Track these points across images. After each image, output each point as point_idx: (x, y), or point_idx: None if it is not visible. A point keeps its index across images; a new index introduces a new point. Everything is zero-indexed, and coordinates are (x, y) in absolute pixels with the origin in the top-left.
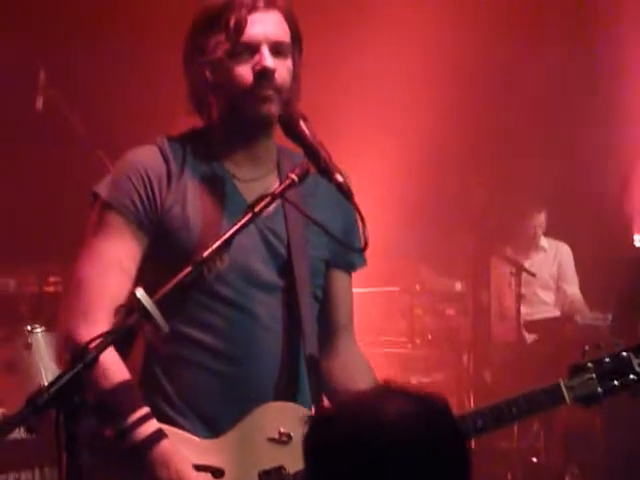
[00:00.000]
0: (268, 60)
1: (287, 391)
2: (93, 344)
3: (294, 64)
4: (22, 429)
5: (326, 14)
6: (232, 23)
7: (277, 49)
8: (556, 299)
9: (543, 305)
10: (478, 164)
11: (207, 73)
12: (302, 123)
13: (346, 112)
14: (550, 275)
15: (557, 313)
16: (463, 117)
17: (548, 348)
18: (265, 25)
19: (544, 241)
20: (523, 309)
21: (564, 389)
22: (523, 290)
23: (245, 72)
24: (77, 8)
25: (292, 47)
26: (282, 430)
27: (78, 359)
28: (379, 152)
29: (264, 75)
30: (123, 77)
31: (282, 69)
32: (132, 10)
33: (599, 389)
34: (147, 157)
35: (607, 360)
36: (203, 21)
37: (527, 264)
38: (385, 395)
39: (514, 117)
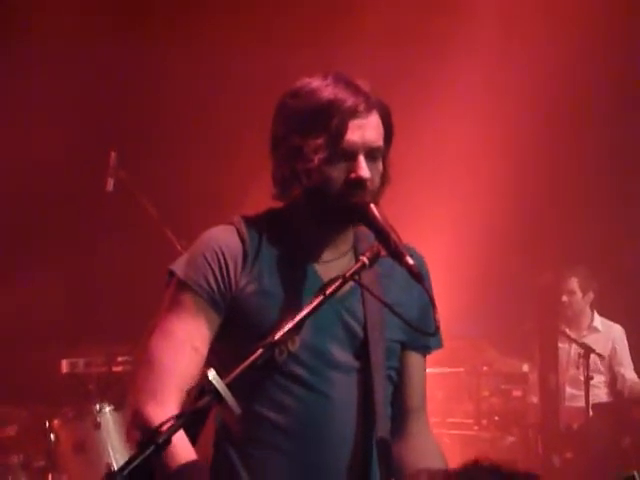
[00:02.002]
0: (365, 171)
1: (358, 474)
2: (165, 426)
3: (384, 163)
4: None
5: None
6: (333, 129)
7: (372, 155)
8: (607, 383)
9: (594, 389)
10: (543, 244)
11: (301, 175)
12: (372, 207)
13: (413, 193)
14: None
15: (605, 398)
16: (524, 194)
17: (615, 432)
18: (364, 131)
19: (598, 321)
20: (574, 392)
21: None
22: (573, 372)
23: (339, 176)
24: (149, 89)
25: (385, 148)
26: None
27: (150, 440)
28: (448, 233)
29: (358, 185)
30: (193, 158)
31: (374, 174)
32: (201, 90)
33: None
34: (224, 237)
35: None
36: (302, 119)
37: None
38: (477, 474)
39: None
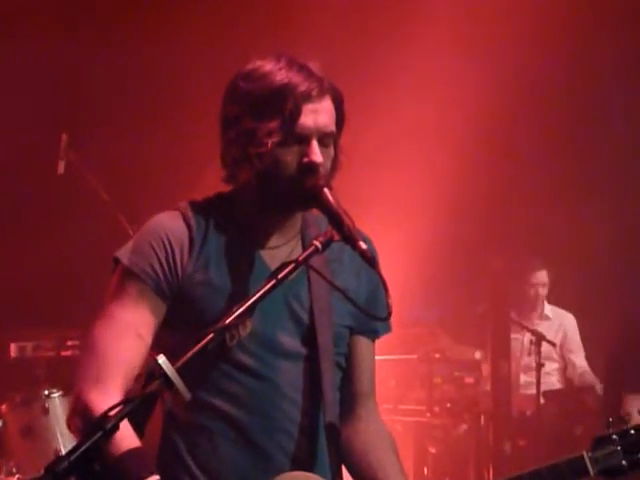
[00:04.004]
0: (317, 155)
1: (306, 461)
2: (112, 412)
3: (335, 147)
4: None
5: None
6: (287, 113)
7: (324, 140)
8: (560, 370)
9: (547, 376)
10: (497, 231)
11: (253, 158)
12: (326, 191)
13: (368, 178)
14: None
15: (558, 385)
16: (484, 176)
17: (567, 419)
18: (317, 116)
19: (548, 309)
20: (528, 379)
21: (588, 461)
22: (527, 360)
23: (292, 160)
24: (101, 72)
25: (337, 133)
26: None
27: (97, 426)
28: (399, 218)
29: (311, 169)
30: (144, 141)
31: (326, 159)
32: (157, 72)
33: (624, 462)
34: (169, 223)
35: (632, 432)
36: (255, 102)
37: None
38: None
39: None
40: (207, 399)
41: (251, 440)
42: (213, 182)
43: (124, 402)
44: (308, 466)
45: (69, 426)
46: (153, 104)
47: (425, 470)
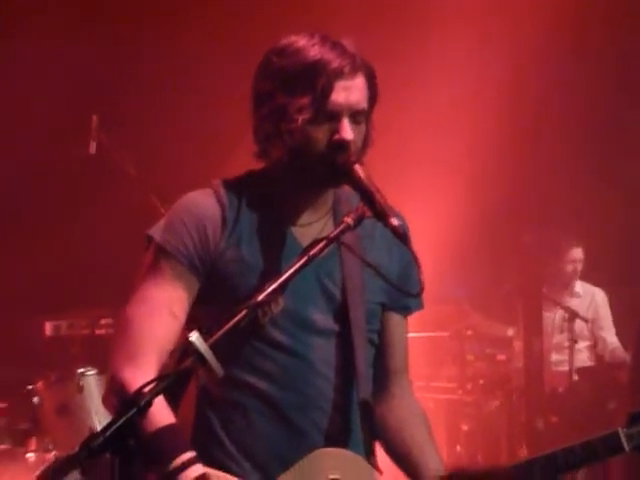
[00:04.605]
0: (348, 133)
1: (339, 437)
2: (146, 388)
3: (367, 125)
4: (77, 471)
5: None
6: (318, 90)
7: (356, 117)
8: (589, 347)
9: (578, 353)
10: (530, 207)
11: (284, 134)
12: (357, 167)
13: (402, 153)
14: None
15: (589, 362)
16: (511, 155)
17: (600, 395)
18: (349, 93)
19: (578, 286)
20: (559, 357)
21: (623, 437)
22: (558, 338)
23: (321, 137)
24: (131, 54)
25: (368, 110)
26: (333, 476)
27: (131, 403)
28: (431, 195)
29: (341, 146)
30: (175, 122)
31: (357, 136)
32: (186, 53)
33: None
34: (202, 201)
35: None
36: (287, 78)
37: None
38: None
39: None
40: (240, 376)
41: (285, 417)
42: (243, 160)
43: (158, 379)
44: (341, 442)
45: (105, 404)
46: (183, 84)
47: (457, 447)
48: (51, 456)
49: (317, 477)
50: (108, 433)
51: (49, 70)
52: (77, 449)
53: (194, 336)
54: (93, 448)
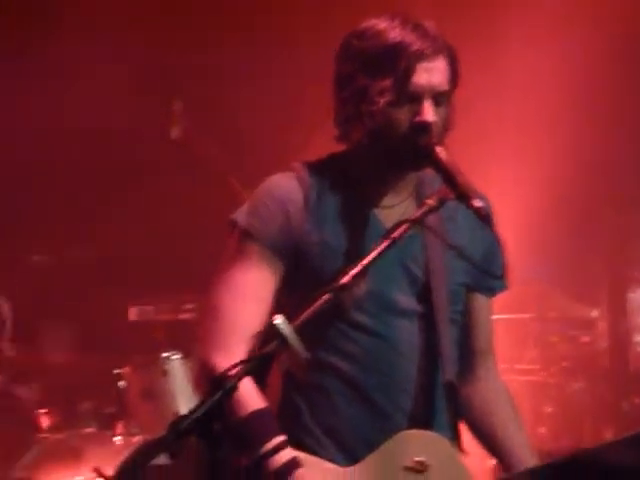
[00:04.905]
0: (430, 115)
1: (423, 419)
2: (232, 372)
3: (448, 107)
4: (164, 454)
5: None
6: (400, 71)
7: (437, 99)
8: None
9: None
10: (613, 187)
11: (365, 116)
12: (439, 149)
13: (483, 136)
14: None
15: None
16: (596, 141)
17: None
18: (430, 75)
19: None
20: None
21: None
22: None
23: (403, 119)
24: (212, 38)
25: (450, 92)
26: (418, 458)
27: (217, 387)
28: (514, 175)
29: (423, 128)
30: (257, 105)
31: (439, 119)
32: (266, 37)
33: None
34: (285, 184)
35: None
36: (368, 60)
37: None
38: None
39: None
40: (325, 358)
41: (369, 399)
42: (324, 144)
43: (243, 362)
44: (426, 424)
45: (196, 390)
46: (264, 68)
47: (542, 429)
48: (137, 440)
49: (402, 459)
50: (195, 416)
51: (133, 55)
52: (164, 432)
53: (278, 319)
54: (180, 431)
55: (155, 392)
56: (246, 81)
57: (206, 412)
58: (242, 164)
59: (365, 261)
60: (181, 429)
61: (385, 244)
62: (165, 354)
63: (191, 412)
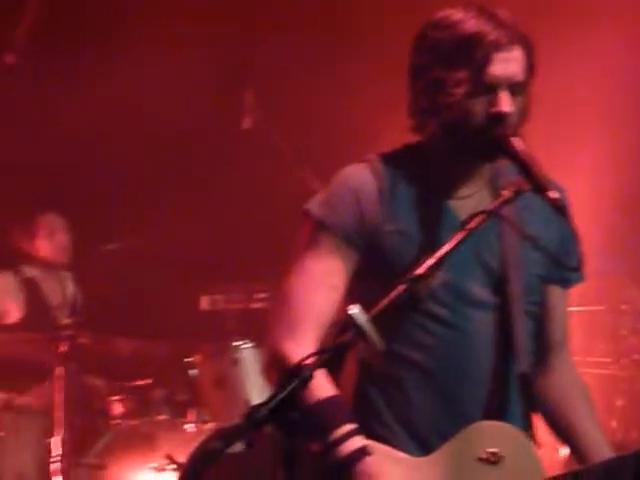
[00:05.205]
0: (506, 105)
1: (497, 410)
2: (308, 361)
3: (524, 97)
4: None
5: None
6: (476, 62)
7: (514, 89)
8: None
9: None
10: None
11: (441, 108)
12: (515, 140)
13: (556, 127)
14: None
15: None
16: None
17: None
18: (507, 65)
19: None
20: None
21: None
22: None
23: (479, 110)
24: (283, 27)
25: (526, 82)
26: (491, 449)
27: (292, 376)
28: (588, 168)
29: (499, 119)
30: (329, 97)
31: (515, 109)
32: (337, 30)
33: None
34: (359, 175)
35: None
36: (444, 51)
37: None
38: None
39: None
40: (400, 349)
41: (444, 390)
42: (394, 134)
43: (318, 352)
44: (500, 416)
45: (266, 377)
46: (336, 59)
47: (613, 423)
48: (209, 427)
49: (475, 450)
50: (271, 405)
51: (205, 45)
52: (238, 420)
53: (354, 309)
54: (256, 420)
55: (226, 380)
56: (318, 71)
57: (282, 401)
58: (313, 154)
59: (441, 252)
60: (257, 418)
61: (461, 235)
62: (236, 343)
63: (267, 401)
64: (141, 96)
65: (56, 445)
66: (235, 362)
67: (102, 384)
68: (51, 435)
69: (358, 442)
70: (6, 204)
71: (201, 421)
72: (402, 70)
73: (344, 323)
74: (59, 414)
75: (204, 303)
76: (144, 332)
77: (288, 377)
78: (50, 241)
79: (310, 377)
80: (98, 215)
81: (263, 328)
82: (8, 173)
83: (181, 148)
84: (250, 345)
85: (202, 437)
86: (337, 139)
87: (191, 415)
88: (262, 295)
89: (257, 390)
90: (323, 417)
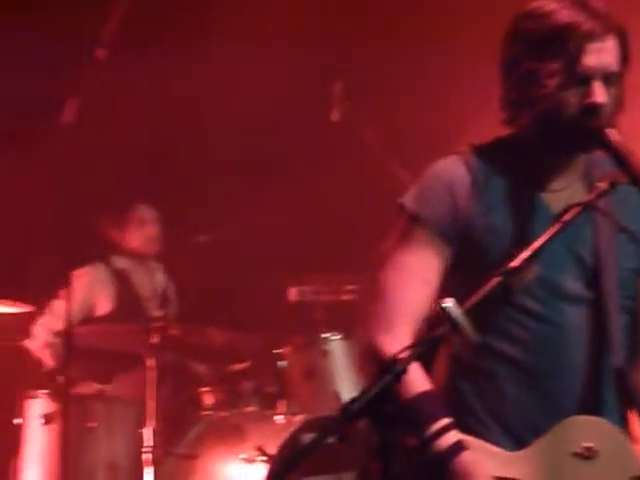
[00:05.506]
0: (600, 96)
1: (592, 405)
2: (401, 355)
3: (618, 88)
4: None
5: None
6: (569, 53)
7: (608, 80)
8: None
9: None
10: None
11: (534, 100)
12: (609, 132)
13: None
14: None
15: None
16: None
17: None
18: (601, 56)
19: None
20: None
21: None
22: None
23: (573, 102)
24: (372, 19)
25: (620, 73)
26: (586, 444)
27: (386, 369)
28: None
29: (593, 110)
30: (416, 91)
31: (609, 100)
32: (430, 23)
33: None
34: (452, 168)
35: None
36: (537, 42)
37: None
38: None
39: None
40: (493, 343)
41: (537, 384)
42: (482, 126)
43: (413, 346)
44: (595, 410)
45: (360, 370)
46: (425, 52)
47: None
48: (298, 419)
49: (570, 444)
50: (366, 398)
51: (294, 36)
52: (328, 413)
53: (449, 303)
54: (352, 412)
55: (315, 372)
56: (406, 64)
57: (377, 395)
58: (403, 147)
59: (535, 245)
60: (353, 411)
61: (555, 228)
62: (325, 335)
63: (362, 395)
64: (229, 88)
65: (148, 435)
66: (324, 354)
67: (203, 372)
68: (143, 425)
69: (454, 437)
70: (98, 195)
71: (290, 413)
72: (495, 70)
73: (438, 316)
74: (151, 405)
75: (293, 294)
76: (234, 324)
77: (383, 371)
78: (141, 233)
79: (405, 371)
80: (189, 207)
81: (352, 320)
82: (99, 165)
83: (270, 140)
84: (339, 337)
85: (291, 429)
86: (424, 132)
87: (280, 407)
88: (351, 287)
89: (346, 382)
90: (419, 411)
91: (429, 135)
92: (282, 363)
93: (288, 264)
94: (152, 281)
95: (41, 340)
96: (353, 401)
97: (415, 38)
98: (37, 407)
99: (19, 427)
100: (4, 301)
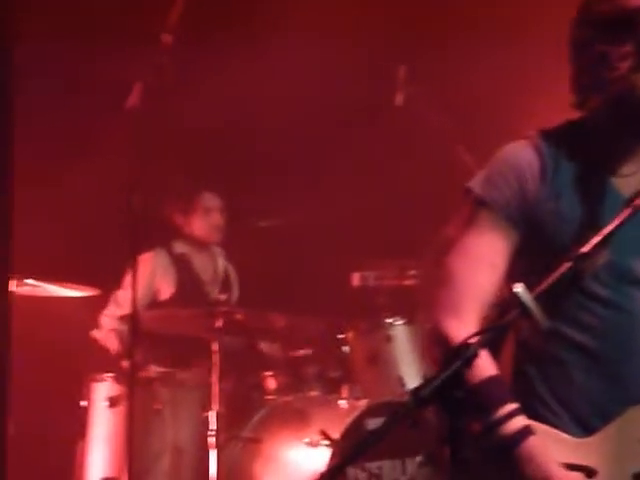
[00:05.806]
0: None
1: None
2: (471, 340)
3: None
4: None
5: None
6: None
7: None
8: None
9: None
10: None
11: (605, 83)
12: None
13: None
14: None
15: None
16: None
17: None
18: None
19: None
20: None
21: None
22: None
23: None
24: (437, 4)
25: None
26: None
27: (457, 354)
28: None
29: None
30: (483, 76)
31: None
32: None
33: None
34: (521, 153)
35: None
36: (608, 25)
37: None
38: None
39: None
40: (561, 329)
41: (606, 370)
42: (549, 110)
43: (482, 331)
44: None
45: (426, 355)
46: (498, 35)
47: None
48: (361, 404)
49: (639, 432)
50: (436, 383)
51: (357, 19)
52: (393, 398)
53: (519, 288)
54: (422, 397)
55: (379, 357)
56: (469, 47)
57: (446, 380)
58: (467, 131)
59: (606, 230)
60: (423, 397)
61: (626, 213)
62: (389, 320)
63: (430, 380)
64: (293, 74)
65: (212, 419)
66: (388, 339)
67: (272, 352)
68: (208, 409)
69: (521, 422)
70: (164, 182)
71: (353, 397)
72: (562, 55)
73: (507, 302)
74: (216, 388)
75: (355, 280)
76: (297, 309)
77: (452, 356)
78: (206, 221)
79: (475, 356)
80: (252, 192)
81: (415, 305)
82: (166, 152)
83: (334, 125)
84: (402, 322)
85: (354, 414)
86: (490, 116)
87: (344, 391)
88: (413, 272)
89: (409, 367)
90: (485, 396)
91: (493, 120)
92: (345, 348)
93: (351, 249)
94: (214, 266)
95: (107, 328)
96: (422, 386)
97: (480, 23)
98: (103, 390)
99: (85, 410)
100: (72, 285)
